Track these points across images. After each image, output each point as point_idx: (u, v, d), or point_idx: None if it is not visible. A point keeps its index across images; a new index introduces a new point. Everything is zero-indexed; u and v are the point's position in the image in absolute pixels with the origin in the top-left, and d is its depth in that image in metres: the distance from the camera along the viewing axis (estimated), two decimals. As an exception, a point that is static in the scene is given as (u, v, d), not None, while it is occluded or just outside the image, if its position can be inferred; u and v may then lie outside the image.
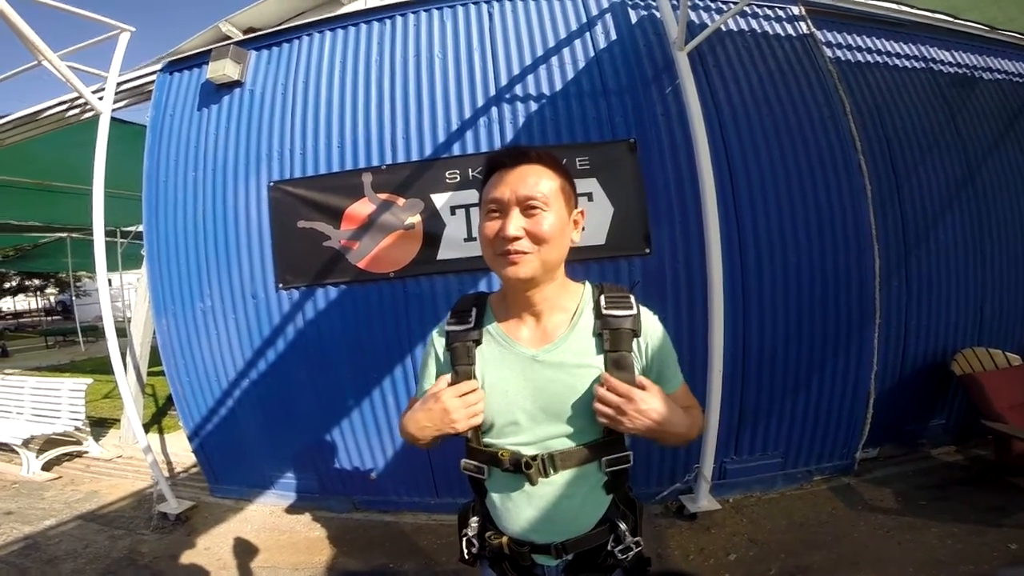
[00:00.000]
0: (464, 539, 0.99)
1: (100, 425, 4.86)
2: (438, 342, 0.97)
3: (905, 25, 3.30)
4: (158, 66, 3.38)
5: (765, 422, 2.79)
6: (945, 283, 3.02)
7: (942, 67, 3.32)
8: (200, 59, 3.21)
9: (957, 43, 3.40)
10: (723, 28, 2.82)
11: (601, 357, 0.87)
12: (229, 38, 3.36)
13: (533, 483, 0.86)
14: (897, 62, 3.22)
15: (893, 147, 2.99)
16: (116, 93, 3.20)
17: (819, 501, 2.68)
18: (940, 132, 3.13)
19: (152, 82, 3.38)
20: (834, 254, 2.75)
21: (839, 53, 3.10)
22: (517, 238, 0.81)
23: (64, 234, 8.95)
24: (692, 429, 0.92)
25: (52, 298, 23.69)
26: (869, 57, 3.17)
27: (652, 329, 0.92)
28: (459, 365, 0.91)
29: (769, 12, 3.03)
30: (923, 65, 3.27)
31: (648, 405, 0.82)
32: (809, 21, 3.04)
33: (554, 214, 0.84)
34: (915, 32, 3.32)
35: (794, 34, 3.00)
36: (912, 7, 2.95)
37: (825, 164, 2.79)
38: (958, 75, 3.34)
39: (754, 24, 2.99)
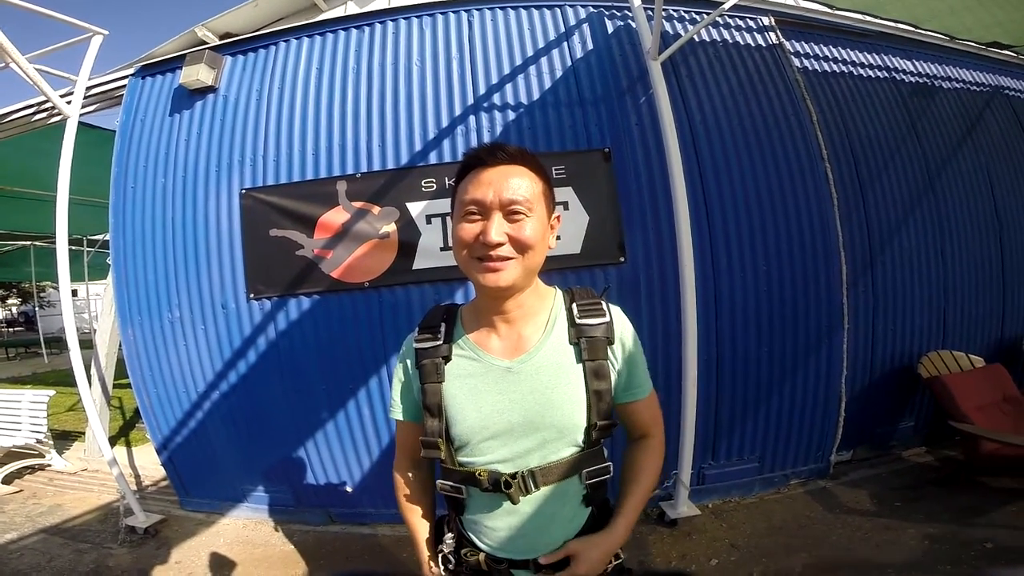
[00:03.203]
0: (440, 556, 0.95)
1: (64, 438, 4.70)
2: (408, 360, 0.94)
3: (870, 35, 3.42)
4: (130, 70, 3.31)
5: (741, 427, 2.82)
6: (909, 288, 3.11)
7: (904, 76, 3.45)
8: (174, 64, 3.15)
9: (919, 53, 3.54)
10: (696, 38, 2.88)
11: (580, 367, 0.85)
12: (205, 43, 3.31)
13: (514, 502, 0.84)
14: (862, 71, 3.34)
15: (857, 155, 3.08)
16: (85, 97, 3.12)
17: (797, 504, 2.71)
18: (902, 140, 3.24)
19: (123, 87, 3.31)
20: (803, 260, 2.81)
21: (806, 63, 3.19)
22: (500, 244, 0.78)
23: (28, 242, 8.65)
24: (652, 483, 0.94)
25: (14, 309, 22.81)
26: (835, 67, 3.28)
27: (624, 334, 0.90)
28: (427, 383, 0.88)
29: (740, 23, 3.12)
30: (886, 74, 3.40)
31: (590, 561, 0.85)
32: (778, 31, 3.14)
33: (536, 219, 0.80)
34: (879, 42, 3.45)
35: (764, 44, 3.09)
36: (876, 17, 3.06)
37: (793, 172, 2.87)
38: (919, 84, 3.47)
39: (726, 34, 3.07)
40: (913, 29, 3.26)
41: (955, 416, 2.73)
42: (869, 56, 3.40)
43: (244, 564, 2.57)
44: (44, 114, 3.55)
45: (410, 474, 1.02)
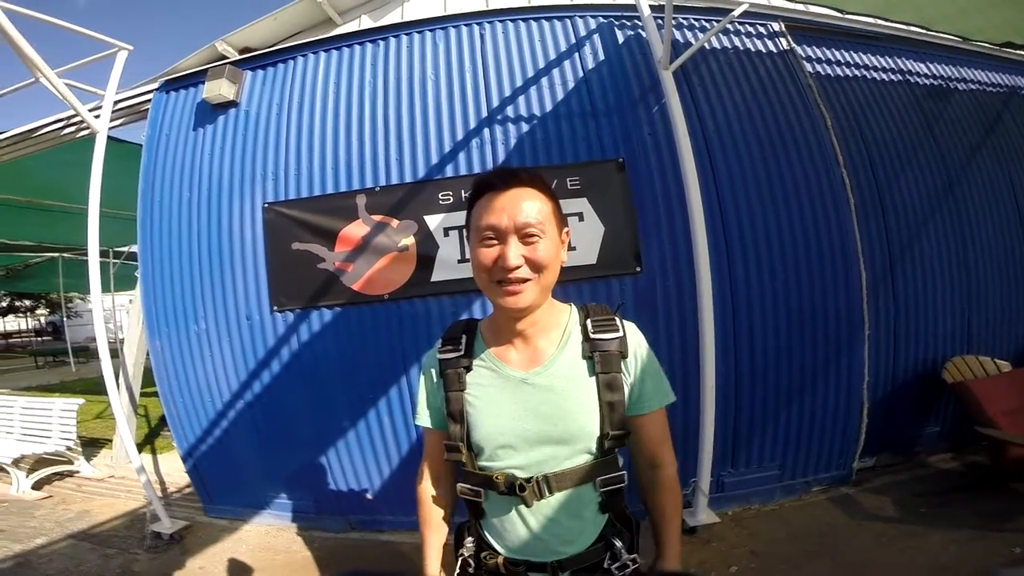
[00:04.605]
0: (460, 559, 0.99)
1: (91, 445, 4.80)
2: (432, 370, 0.99)
3: (881, 38, 3.40)
4: (154, 85, 3.41)
5: (760, 435, 2.79)
6: (931, 293, 3.06)
7: (918, 79, 3.41)
8: (196, 78, 3.25)
9: (932, 55, 3.50)
10: (707, 46, 2.90)
11: (593, 379, 0.88)
12: (225, 57, 3.39)
13: (528, 505, 0.87)
14: (875, 75, 3.31)
15: (874, 159, 3.05)
16: (112, 111, 3.19)
17: (818, 512, 2.68)
18: (919, 143, 3.20)
19: (148, 101, 3.40)
20: (821, 267, 2.79)
21: (819, 68, 3.18)
22: (518, 267, 0.82)
23: (56, 254, 8.88)
24: (678, 506, 1.01)
25: (43, 319, 23.45)
26: (848, 71, 3.26)
27: (639, 348, 0.93)
28: (451, 391, 0.93)
29: (751, 29, 3.12)
30: (900, 77, 3.36)
31: None
32: (789, 37, 3.13)
33: (549, 239, 0.85)
34: (891, 45, 3.42)
35: (775, 50, 3.09)
36: (886, 20, 3.03)
37: (809, 178, 2.85)
38: (934, 86, 3.43)
39: (736, 41, 3.07)
40: (924, 31, 3.22)
41: (981, 421, 2.69)
42: (881, 59, 3.37)
43: (266, 570, 2.61)
44: (72, 128, 3.65)
45: (431, 487, 1.06)
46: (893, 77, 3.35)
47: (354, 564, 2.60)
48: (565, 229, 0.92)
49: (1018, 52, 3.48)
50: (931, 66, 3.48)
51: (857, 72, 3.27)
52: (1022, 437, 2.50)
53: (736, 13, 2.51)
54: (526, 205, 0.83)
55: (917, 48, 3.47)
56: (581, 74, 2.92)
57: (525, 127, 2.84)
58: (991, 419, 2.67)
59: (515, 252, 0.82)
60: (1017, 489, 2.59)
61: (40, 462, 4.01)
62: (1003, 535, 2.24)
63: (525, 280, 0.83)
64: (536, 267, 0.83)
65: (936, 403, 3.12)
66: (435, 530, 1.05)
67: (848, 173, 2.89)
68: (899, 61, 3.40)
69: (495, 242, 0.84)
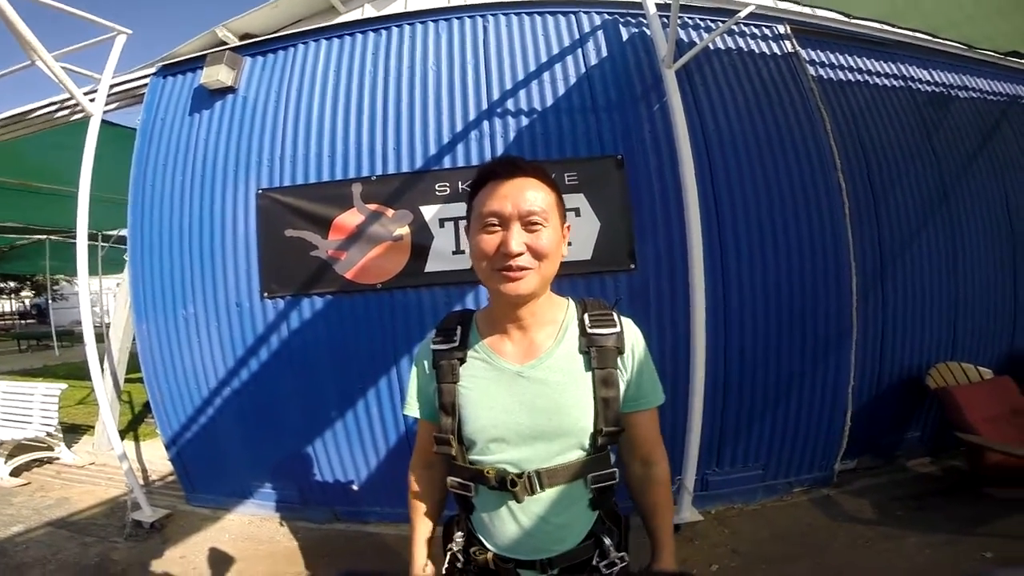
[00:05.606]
0: (449, 554, 0.98)
1: (73, 431, 4.73)
2: (425, 360, 0.98)
3: (886, 44, 3.40)
4: (151, 69, 3.36)
5: (746, 435, 2.82)
6: (920, 300, 3.10)
7: (920, 85, 3.43)
8: (195, 63, 3.20)
9: (935, 62, 3.52)
10: (711, 46, 2.89)
11: (589, 375, 0.87)
12: (225, 43, 3.34)
13: (519, 501, 0.87)
14: (877, 80, 3.32)
15: (871, 165, 3.08)
16: (108, 95, 3.16)
17: (799, 512, 2.72)
18: (917, 150, 3.23)
19: (144, 85, 3.35)
20: (813, 271, 2.81)
21: (822, 71, 3.19)
22: (520, 254, 0.81)
23: (43, 236, 8.75)
24: (671, 503, 1.02)
25: (27, 301, 23.08)
26: (850, 75, 3.27)
27: (635, 345, 0.93)
28: (443, 383, 0.92)
29: (756, 31, 3.12)
30: (902, 83, 3.38)
31: None
32: (794, 40, 3.13)
33: (552, 229, 0.84)
34: (895, 50, 3.43)
35: (779, 52, 3.09)
36: (893, 26, 3.04)
37: (806, 182, 2.87)
38: (935, 93, 3.45)
39: (741, 42, 3.07)
40: (931, 38, 3.23)
41: (962, 427, 2.73)
42: (885, 65, 3.38)
43: (249, 560, 2.60)
44: (67, 111, 3.59)
45: (421, 476, 1.06)
46: (895, 83, 3.36)
47: (345, 558, 2.58)
48: (566, 224, 0.91)
49: (1022, 61, 3.49)
50: (934, 73, 3.49)
51: (860, 77, 3.28)
52: (1001, 444, 2.55)
53: (742, 14, 2.51)
54: (530, 194, 0.83)
55: (921, 55, 3.48)
56: (583, 70, 2.91)
57: (525, 121, 2.83)
58: (971, 425, 2.72)
59: (518, 239, 0.81)
60: (991, 494, 2.65)
61: (20, 448, 3.94)
62: (976, 539, 2.29)
63: (526, 268, 0.82)
64: (538, 255, 0.83)
65: (918, 408, 3.17)
66: (425, 518, 1.04)
67: (845, 177, 2.90)
68: (902, 67, 3.42)
69: (498, 228, 0.83)
